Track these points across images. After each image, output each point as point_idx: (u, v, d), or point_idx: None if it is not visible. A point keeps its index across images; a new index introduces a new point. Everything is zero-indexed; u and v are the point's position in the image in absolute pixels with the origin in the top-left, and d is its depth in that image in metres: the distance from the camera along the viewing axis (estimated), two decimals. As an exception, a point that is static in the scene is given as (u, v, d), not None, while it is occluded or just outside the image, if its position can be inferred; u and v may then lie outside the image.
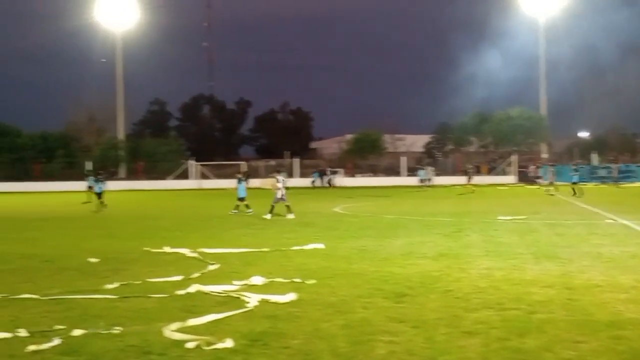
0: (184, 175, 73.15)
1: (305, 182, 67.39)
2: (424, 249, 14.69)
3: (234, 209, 27.27)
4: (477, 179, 64.96)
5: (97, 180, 34.21)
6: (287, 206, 24.64)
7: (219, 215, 26.46)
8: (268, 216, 24.11)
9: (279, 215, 24.50)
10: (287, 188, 25.72)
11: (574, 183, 38.70)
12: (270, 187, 25.12)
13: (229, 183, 66.79)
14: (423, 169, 58.42)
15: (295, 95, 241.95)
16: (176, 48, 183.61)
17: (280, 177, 25.33)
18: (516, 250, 14.17)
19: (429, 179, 56.18)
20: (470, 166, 52.89)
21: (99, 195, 33.06)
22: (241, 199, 27.37)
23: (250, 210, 26.56)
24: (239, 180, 28.07)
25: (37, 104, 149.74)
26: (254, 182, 52.35)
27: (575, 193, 37.40)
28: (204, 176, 73.71)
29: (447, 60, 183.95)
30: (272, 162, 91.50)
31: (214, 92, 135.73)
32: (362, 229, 19.59)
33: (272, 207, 24.69)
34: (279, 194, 24.90)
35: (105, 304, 9.27)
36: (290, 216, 23.97)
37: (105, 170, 77.19)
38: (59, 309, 8.98)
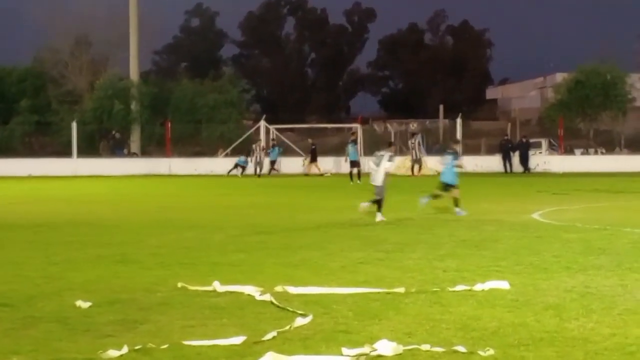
0: (248, 148, 73.79)
1: (479, 162, 67.25)
2: None
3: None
4: None
5: None
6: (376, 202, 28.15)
7: (316, 224, 26.83)
8: (379, 217, 27.64)
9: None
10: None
11: None
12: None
13: (332, 163, 67.37)
14: None
15: (456, 2, 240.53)
16: None
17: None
18: None
19: None
20: None
21: None
22: (447, 187, 29.79)
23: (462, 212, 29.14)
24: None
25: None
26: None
27: None
28: (285, 150, 74.25)
29: None
30: (413, 125, 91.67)
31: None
32: (584, 254, 19.43)
33: (379, 202, 28.00)
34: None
35: (107, 385, 9.53)
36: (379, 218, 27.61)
37: (107, 136, 79.15)
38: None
